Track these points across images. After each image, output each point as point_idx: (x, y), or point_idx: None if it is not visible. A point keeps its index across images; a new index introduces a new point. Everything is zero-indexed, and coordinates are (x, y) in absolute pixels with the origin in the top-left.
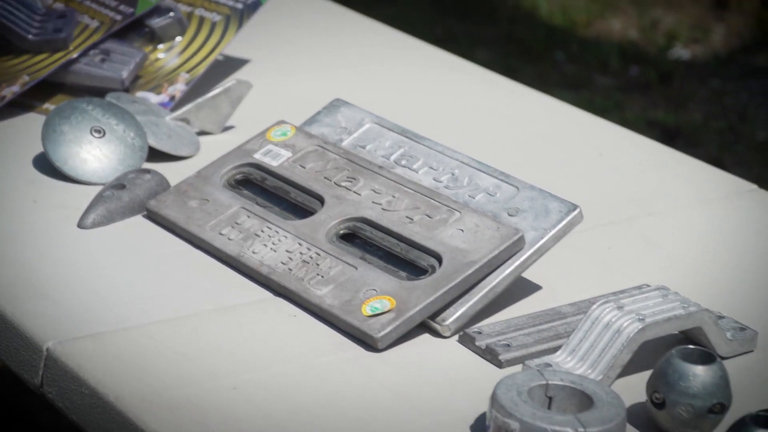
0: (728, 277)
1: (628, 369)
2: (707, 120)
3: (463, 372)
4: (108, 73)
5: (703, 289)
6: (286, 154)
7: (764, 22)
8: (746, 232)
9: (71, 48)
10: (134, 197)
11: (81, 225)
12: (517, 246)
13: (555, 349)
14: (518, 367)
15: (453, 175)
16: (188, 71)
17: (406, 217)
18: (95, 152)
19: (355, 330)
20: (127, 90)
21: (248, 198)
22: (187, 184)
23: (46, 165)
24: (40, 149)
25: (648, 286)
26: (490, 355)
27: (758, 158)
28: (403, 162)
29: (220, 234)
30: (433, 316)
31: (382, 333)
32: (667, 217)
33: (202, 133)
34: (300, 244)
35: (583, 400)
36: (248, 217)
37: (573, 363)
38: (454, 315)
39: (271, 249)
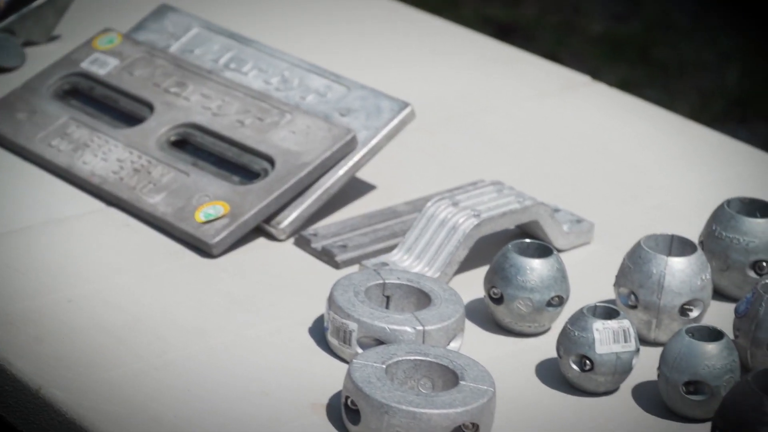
0: (564, 169)
1: (466, 265)
2: (542, 15)
3: (300, 275)
4: None
5: (538, 182)
6: (113, 62)
7: None
8: (580, 125)
9: None
10: None
11: None
12: (349, 146)
13: (391, 248)
14: (355, 268)
15: (283, 77)
16: None
17: (237, 121)
18: None
19: (190, 237)
20: None
21: (77, 108)
22: (14, 96)
23: None
24: None
25: (483, 181)
26: (326, 256)
27: (593, 51)
28: (232, 66)
29: (50, 145)
30: (268, 220)
31: (217, 239)
32: (502, 113)
33: (27, 43)
34: (131, 153)
35: (420, 298)
36: (77, 127)
37: (410, 261)
38: (288, 218)
39: (101, 159)
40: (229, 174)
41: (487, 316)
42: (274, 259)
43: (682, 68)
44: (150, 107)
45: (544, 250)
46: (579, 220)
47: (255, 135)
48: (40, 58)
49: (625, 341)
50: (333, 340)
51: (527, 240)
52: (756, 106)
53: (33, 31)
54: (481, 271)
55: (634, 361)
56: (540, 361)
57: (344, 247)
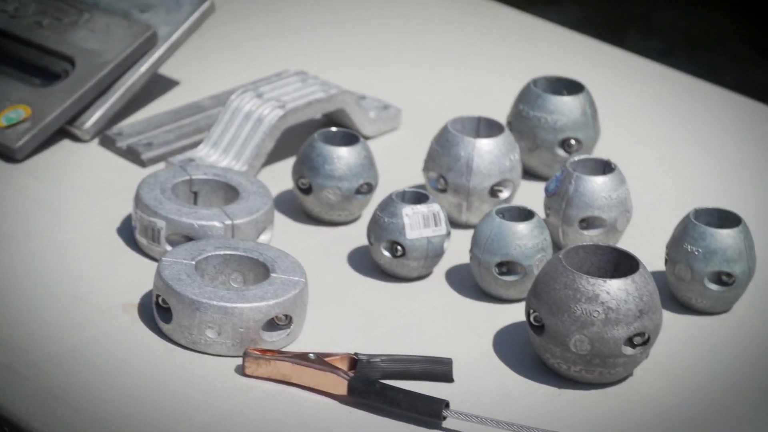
0: (368, 56)
1: (273, 157)
2: None
3: (107, 175)
4: None
5: (343, 70)
6: None
7: None
8: (382, 10)
9: None
10: None
11: None
12: (150, 42)
13: (197, 144)
14: (162, 165)
15: None
16: None
17: (35, 22)
18: None
19: None
20: None
21: None
22: None
23: None
24: None
25: (287, 71)
26: (132, 155)
27: None
28: None
29: None
30: (71, 121)
31: (20, 143)
32: (303, 2)
33: None
34: None
35: (228, 192)
36: None
37: (216, 156)
38: (92, 118)
39: None
40: (29, 77)
41: (297, 207)
42: (80, 161)
43: None
44: None
45: (350, 138)
46: (386, 107)
47: (54, 36)
48: None
49: (436, 225)
50: (141, 239)
51: (333, 129)
52: None
53: None
54: (289, 162)
55: (445, 245)
56: (352, 250)
57: (149, 145)
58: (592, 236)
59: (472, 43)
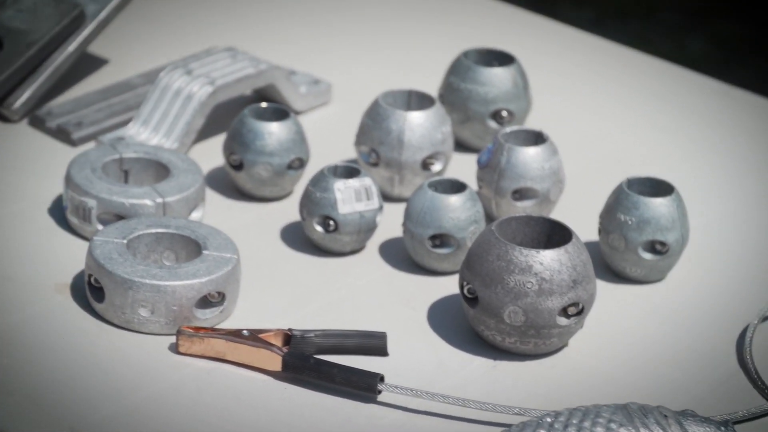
0: (298, 31)
1: (204, 133)
2: None
3: (37, 155)
4: None
5: (273, 46)
6: None
7: None
8: None
9: None
10: None
11: None
12: (78, 21)
13: (128, 122)
14: (92, 145)
15: None
16: None
17: None
18: None
19: None
20: None
21: None
22: None
23: None
24: None
25: (216, 48)
26: (62, 134)
27: None
28: None
29: None
30: (0, 102)
31: None
32: None
33: None
34: None
35: (159, 170)
36: None
37: (147, 134)
38: (21, 98)
39: None
40: None
41: (229, 183)
42: (9, 141)
43: None
44: None
45: (281, 113)
46: (316, 81)
47: None
48: None
49: (368, 199)
50: (73, 219)
51: (264, 104)
52: None
53: None
54: (220, 139)
55: (377, 219)
56: (284, 225)
57: (79, 125)
58: (525, 207)
59: (402, 15)
